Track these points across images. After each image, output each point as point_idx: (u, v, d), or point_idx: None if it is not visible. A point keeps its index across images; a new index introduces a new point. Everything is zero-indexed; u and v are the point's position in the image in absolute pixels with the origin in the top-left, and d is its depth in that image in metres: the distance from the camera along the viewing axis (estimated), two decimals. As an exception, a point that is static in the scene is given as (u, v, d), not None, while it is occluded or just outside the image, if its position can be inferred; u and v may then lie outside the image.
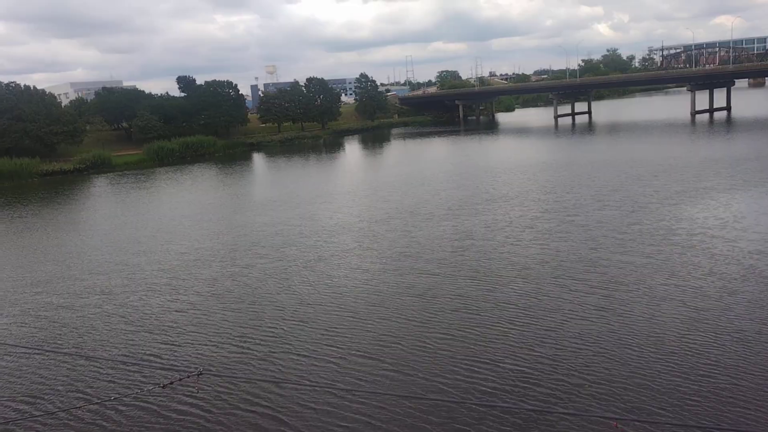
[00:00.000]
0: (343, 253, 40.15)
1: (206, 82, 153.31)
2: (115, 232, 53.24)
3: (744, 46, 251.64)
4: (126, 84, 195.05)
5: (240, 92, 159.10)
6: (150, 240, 48.76)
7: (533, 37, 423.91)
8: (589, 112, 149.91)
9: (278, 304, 31.09)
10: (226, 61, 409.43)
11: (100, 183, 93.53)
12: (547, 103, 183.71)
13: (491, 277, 32.98)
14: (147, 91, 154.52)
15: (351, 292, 32.48)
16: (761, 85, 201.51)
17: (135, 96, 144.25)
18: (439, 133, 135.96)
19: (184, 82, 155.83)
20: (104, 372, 25.03)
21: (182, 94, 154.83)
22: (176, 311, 31.18)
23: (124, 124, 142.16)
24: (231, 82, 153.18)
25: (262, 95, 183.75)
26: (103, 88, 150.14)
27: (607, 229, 40.45)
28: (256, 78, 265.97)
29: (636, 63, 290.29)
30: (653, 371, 21.43)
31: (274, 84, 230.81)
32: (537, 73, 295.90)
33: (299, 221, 51.25)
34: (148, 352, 26.59)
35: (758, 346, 22.71)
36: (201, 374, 12.25)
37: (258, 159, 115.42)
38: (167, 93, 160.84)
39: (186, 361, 25.28)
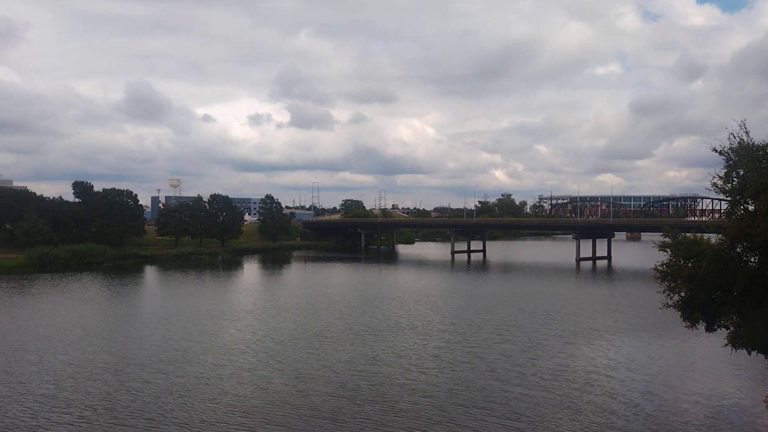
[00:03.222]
0: (247, 372, 38.95)
1: (104, 190, 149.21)
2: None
3: (622, 202, 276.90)
4: (17, 185, 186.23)
5: (139, 203, 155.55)
6: (37, 349, 45.25)
7: (436, 176, 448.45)
8: (484, 251, 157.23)
9: (179, 421, 29.43)
10: (130, 170, 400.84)
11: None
12: (444, 238, 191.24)
13: (398, 402, 32.96)
14: (39, 194, 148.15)
15: (256, 412, 31.39)
16: (637, 239, 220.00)
17: (24, 197, 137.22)
18: (340, 259, 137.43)
19: (81, 188, 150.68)
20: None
21: (77, 200, 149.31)
22: (68, 424, 28.70)
23: (8, 226, 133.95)
24: (130, 192, 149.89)
25: (162, 207, 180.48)
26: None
27: (510, 363, 41.76)
28: (158, 190, 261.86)
29: (527, 209, 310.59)
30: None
31: (176, 197, 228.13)
32: (437, 209, 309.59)
33: (200, 337, 49.43)
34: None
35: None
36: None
37: (151, 272, 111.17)
38: (60, 197, 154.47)
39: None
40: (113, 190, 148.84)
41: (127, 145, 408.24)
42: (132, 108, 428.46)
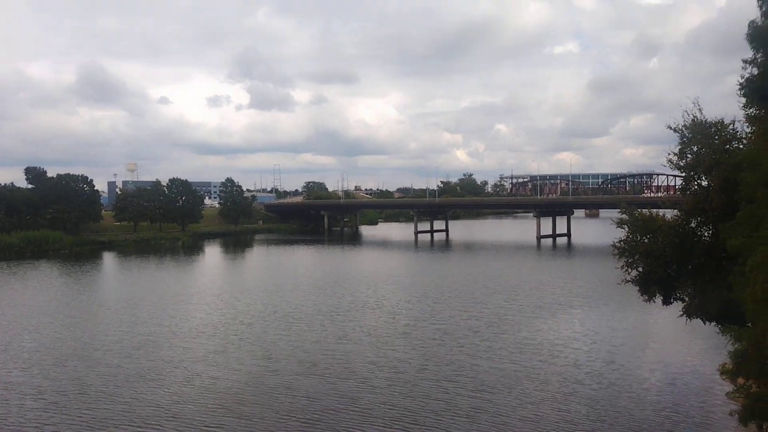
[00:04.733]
0: (218, 354, 39.05)
1: (58, 175, 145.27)
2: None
3: (581, 180, 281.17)
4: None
5: (95, 188, 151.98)
6: (1, 336, 44.59)
7: (398, 157, 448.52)
8: (447, 230, 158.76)
9: (154, 404, 29.47)
10: (84, 155, 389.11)
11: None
12: (408, 219, 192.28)
13: (370, 379, 33.57)
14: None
15: (230, 392, 31.63)
16: (596, 215, 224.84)
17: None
18: (304, 242, 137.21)
19: (33, 174, 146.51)
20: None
21: (30, 186, 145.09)
22: (41, 410, 28.51)
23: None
24: (86, 177, 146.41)
25: (119, 193, 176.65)
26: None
27: (477, 338, 42.75)
28: (115, 175, 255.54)
29: (489, 188, 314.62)
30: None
31: (134, 182, 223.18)
32: (400, 190, 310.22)
33: (167, 322, 49.18)
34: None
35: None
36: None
37: (111, 258, 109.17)
38: (12, 183, 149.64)
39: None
40: (68, 175, 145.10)
41: (81, 129, 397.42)
42: (85, 90, 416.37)
